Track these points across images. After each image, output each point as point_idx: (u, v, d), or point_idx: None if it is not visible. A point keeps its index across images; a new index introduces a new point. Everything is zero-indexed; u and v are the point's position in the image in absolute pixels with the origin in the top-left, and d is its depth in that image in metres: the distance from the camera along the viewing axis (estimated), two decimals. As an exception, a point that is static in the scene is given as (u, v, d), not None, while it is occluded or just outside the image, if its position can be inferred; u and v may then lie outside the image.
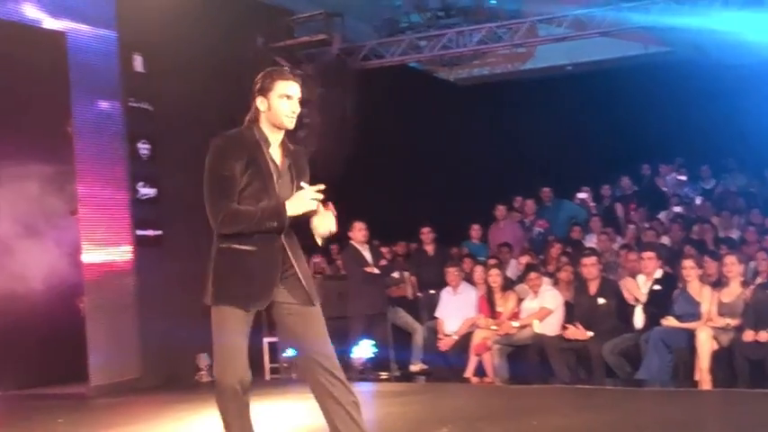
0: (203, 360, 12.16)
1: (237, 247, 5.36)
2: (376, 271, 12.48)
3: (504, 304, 12.00)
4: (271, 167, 5.41)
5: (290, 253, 5.43)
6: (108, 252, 11.87)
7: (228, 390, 5.37)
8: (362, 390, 11.17)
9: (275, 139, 5.48)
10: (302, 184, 5.42)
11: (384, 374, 12.30)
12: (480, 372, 11.78)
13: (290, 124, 5.45)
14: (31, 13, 11.44)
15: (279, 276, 5.41)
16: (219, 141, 5.44)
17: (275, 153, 5.47)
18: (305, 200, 5.33)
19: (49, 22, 11.60)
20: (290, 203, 5.30)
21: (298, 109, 5.45)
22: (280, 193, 5.38)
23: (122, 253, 12.03)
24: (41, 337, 11.57)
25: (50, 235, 11.42)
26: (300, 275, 5.46)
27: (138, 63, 12.35)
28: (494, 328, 11.80)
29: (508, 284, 12.34)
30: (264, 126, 5.45)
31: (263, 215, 5.30)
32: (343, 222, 12.50)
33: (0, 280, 11.19)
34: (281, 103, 5.41)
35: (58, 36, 11.60)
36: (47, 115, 11.58)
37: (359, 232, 12.53)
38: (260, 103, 5.44)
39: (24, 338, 11.49)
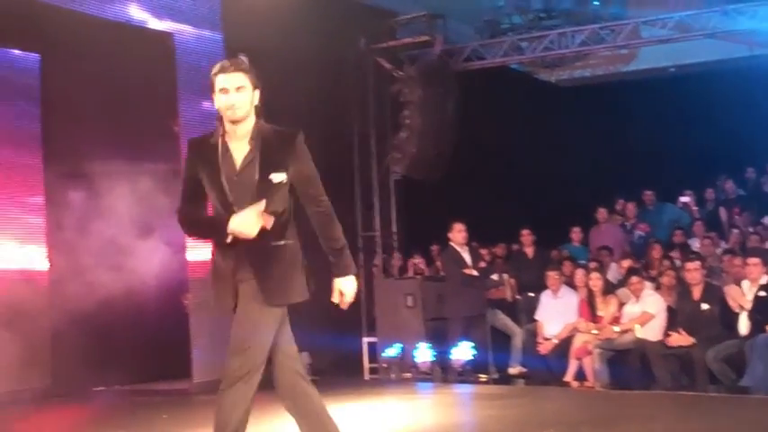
0: (305, 359, 12.25)
1: (214, 250, 5.37)
2: (475, 273, 12.48)
3: (606, 308, 11.90)
4: (221, 167, 5.24)
5: (247, 256, 5.20)
6: (211, 250, 12.01)
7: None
8: (461, 391, 11.22)
9: (238, 133, 5.29)
10: (272, 176, 5.21)
11: (483, 377, 12.30)
12: (580, 376, 11.71)
13: (233, 116, 5.21)
14: (139, 14, 11.71)
15: (237, 278, 5.24)
16: (187, 146, 5.44)
17: (237, 148, 5.29)
18: (249, 221, 5.09)
19: (156, 24, 11.85)
20: (233, 222, 5.10)
21: (236, 100, 5.20)
22: (235, 190, 5.20)
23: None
24: (147, 334, 11.86)
25: (157, 233, 11.62)
26: (258, 278, 5.22)
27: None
28: (594, 332, 11.71)
29: (609, 288, 12.23)
30: (226, 122, 5.29)
31: (205, 226, 5.35)
32: (444, 224, 12.64)
33: (110, 277, 11.44)
34: (219, 99, 5.23)
35: (165, 37, 11.85)
36: (154, 114, 11.82)
37: (458, 233, 12.55)
38: (215, 101, 5.31)
39: (130, 334, 11.79)
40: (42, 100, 11.83)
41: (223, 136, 5.30)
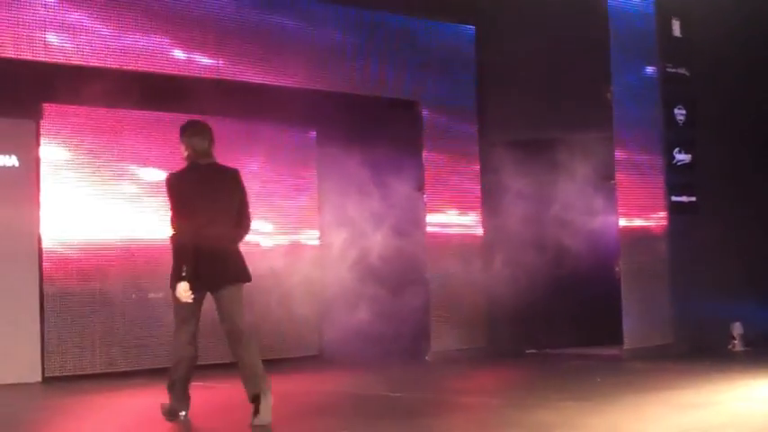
0: (737, 329, 11.96)
1: None
2: None
3: None
4: None
5: None
6: (643, 218, 11.98)
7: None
8: None
9: None
10: None
11: None
12: None
13: None
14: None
15: None
16: None
17: None
18: None
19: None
20: None
21: None
22: None
23: (657, 219, 12.09)
24: (578, 300, 12.09)
25: (590, 201, 11.74)
26: None
27: (676, 28, 12.29)
28: None
29: None
30: None
31: None
32: None
33: (542, 243, 11.75)
34: None
35: (599, 1, 11.83)
36: (587, 81, 11.86)
37: None
38: None
39: (562, 300, 12.09)
40: (477, 71, 12.31)
41: None
